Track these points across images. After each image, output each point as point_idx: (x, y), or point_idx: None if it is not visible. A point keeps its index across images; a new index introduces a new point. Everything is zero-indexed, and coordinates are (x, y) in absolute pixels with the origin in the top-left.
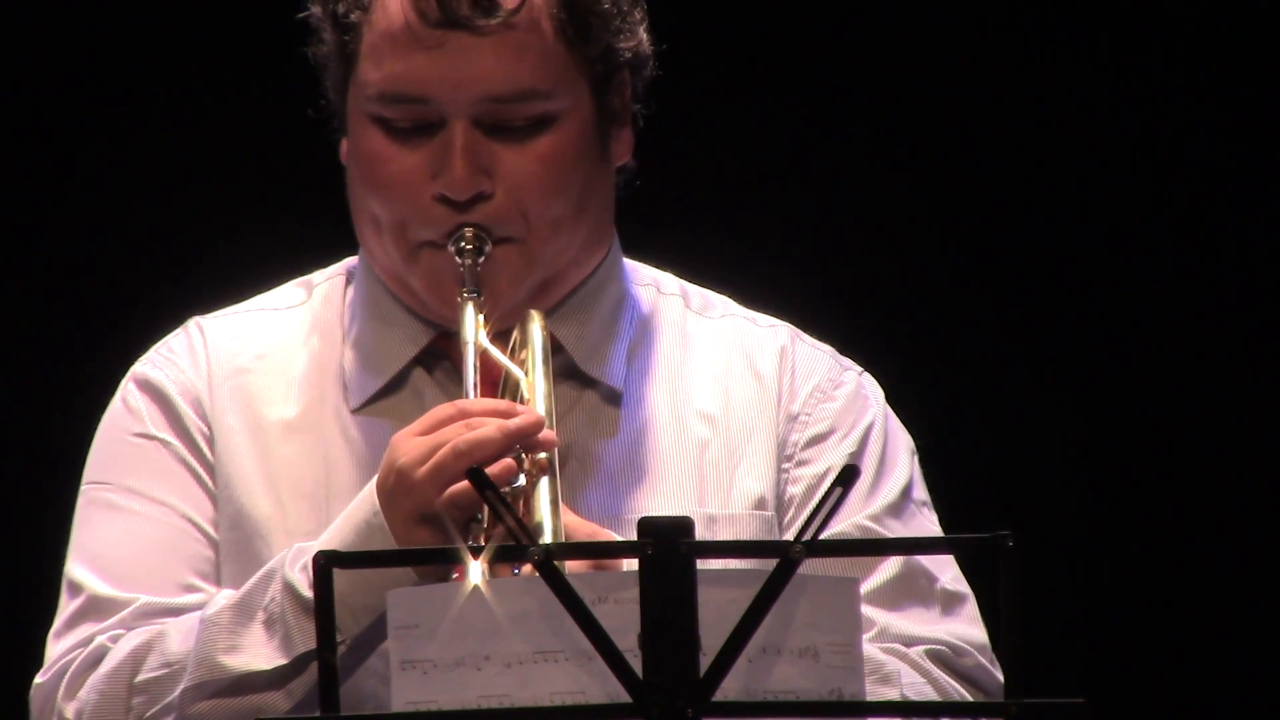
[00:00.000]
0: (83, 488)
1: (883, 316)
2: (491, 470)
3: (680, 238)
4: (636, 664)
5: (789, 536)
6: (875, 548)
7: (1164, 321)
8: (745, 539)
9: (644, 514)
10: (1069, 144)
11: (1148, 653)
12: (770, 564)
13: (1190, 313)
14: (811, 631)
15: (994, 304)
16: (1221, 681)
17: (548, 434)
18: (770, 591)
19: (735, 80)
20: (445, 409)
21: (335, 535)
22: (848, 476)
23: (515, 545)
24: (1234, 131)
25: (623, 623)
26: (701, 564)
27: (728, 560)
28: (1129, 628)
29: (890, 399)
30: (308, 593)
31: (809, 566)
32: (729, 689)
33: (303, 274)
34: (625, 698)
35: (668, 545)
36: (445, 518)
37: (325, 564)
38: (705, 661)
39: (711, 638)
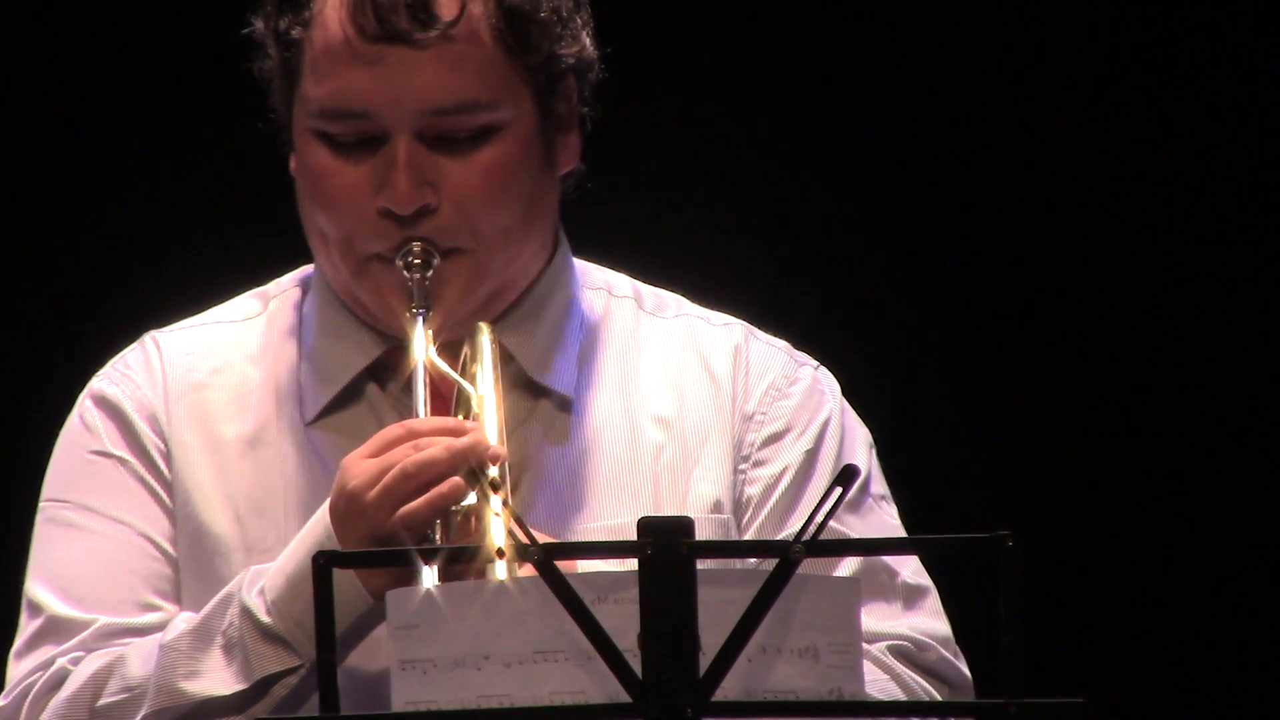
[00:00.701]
0: (41, 505)
1: (882, 317)
2: (440, 490)
3: (633, 237)
4: (636, 664)
5: (749, 535)
6: (875, 548)
7: (1163, 320)
8: (745, 539)
9: (598, 522)
10: (1044, 129)
11: (1148, 653)
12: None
13: (1189, 311)
14: (811, 631)
15: (994, 304)
16: (1221, 681)
17: (496, 449)
18: (770, 591)
19: (685, 77)
20: (394, 430)
21: (290, 558)
22: (847, 476)
23: (515, 545)
24: (1216, 128)
25: (622, 623)
26: (701, 564)
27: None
28: (1129, 628)
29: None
30: (265, 617)
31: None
32: (729, 689)
33: (258, 284)
34: (625, 698)
35: (668, 545)
36: (399, 538)
37: (325, 564)
38: (705, 661)
39: (711, 637)
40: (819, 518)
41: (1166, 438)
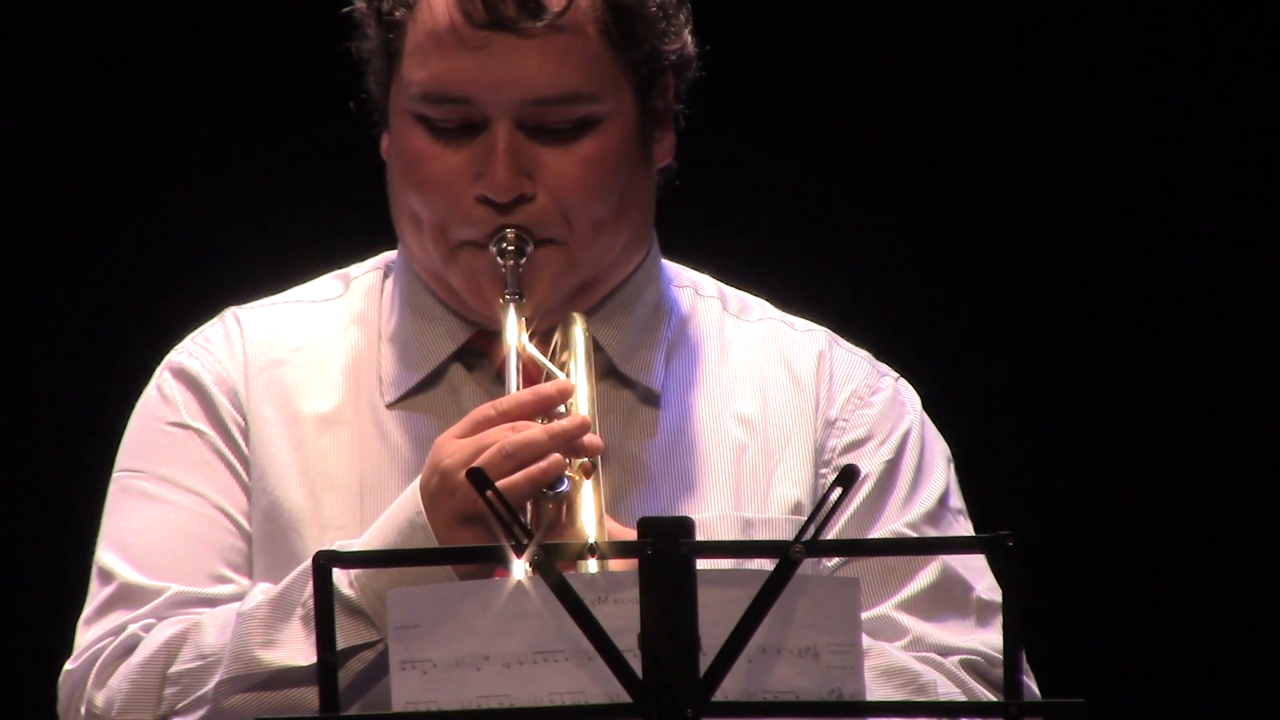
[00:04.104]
0: (115, 475)
1: (878, 316)
2: (540, 465)
3: (718, 240)
4: (636, 664)
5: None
6: (875, 548)
7: (1164, 323)
8: (747, 539)
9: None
10: (1100, 155)
11: (1148, 653)
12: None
13: (1190, 317)
14: (811, 631)
15: (993, 305)
16: (1221, 681)
17: (592, 439)
18: (770, 591)
19: (776, 82)
20: (485, 410)
21: (378, 535)
22: (848, 477)
23: (514, 545)
24: (1240, 143)
25: (623, 623)
26: (702, 564)
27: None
28: (1129, 628)
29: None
30: (348, 590)
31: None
32: (729, 689)
33: (339, 267)
34: (625, 698)
35: (668, 545)
36: (491, 518)
37: (324, 564)
38: (705, 661)
39: (711, 638)
40: (821, 516)
41: (1166, 438)
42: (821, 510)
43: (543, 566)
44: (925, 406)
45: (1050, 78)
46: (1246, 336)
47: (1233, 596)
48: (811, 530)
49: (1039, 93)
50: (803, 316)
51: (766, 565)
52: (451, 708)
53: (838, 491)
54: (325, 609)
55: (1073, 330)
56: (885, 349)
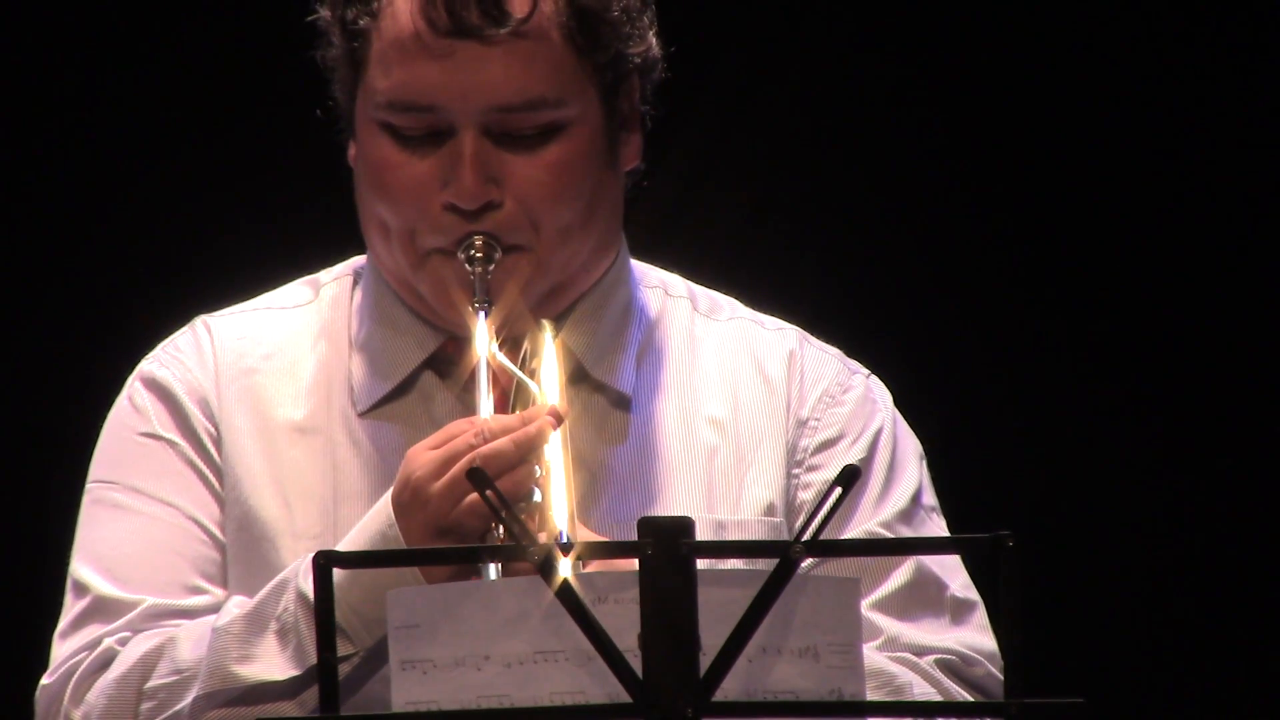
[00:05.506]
0: (88, 486)
1: (883, 318)
2: (512, 478)
3: (687, 239)
4: (636, 664)
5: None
6: (875, 548)
7: (1164, 323)
8: (746, 539)
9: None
10: (1072, 152)
11: (1148, 653)
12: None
13: (1190, 315)
14: (811, 631)
15: (992, 306)
16: (1221, 681)
17: (557, 408)
18: (770, 591)
19: (743, 80)
20: (460, 425)
21: (349, 546)
22: (848, 477)
23: (514, 545)
24: (1220, 146)
25: (623, 623)
26: (702, 564)
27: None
28: (1129, 628)
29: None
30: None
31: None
32: (729, 689)
33: (308, 272)
34: (625, 698)
35: (668, 545)
36: (463, 529)
37: (325, 564)
38: (705, 661)
39: (711, 638)
40: (819, 517)
41: (1166, 437)
42: (821, 509)
43: (544, 567)
44: (896, 403)
45: (1019, 71)
46: (1235, 328)
47: (1232, 594)
48: (811, 530)
49: (1012, 87)
50: (773, 315)
51: (739, 564)
52: (451, 708)
53: (838, 491)
54: (325, 609)
55: (1046, 325)
56: (855, 346)
